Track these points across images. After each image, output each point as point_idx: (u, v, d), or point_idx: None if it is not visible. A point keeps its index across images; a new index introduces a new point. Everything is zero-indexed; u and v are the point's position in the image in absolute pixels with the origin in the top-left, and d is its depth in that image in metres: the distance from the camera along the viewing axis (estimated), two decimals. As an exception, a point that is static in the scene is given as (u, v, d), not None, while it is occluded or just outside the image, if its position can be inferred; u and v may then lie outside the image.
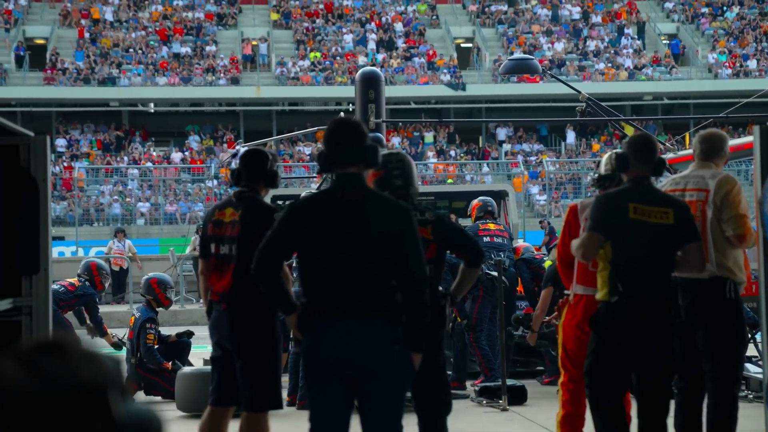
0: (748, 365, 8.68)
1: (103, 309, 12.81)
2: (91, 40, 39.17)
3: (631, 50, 40.31)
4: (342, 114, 12.48)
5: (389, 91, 12.32)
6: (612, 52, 40.00)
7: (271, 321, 5.51)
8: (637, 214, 5.39)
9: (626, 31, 41.30)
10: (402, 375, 4.44)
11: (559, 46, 40.14)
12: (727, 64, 39.32)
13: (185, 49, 39.04)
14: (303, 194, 5.81)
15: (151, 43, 39.24)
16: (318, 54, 39.14)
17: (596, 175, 6.65)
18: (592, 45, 40.40)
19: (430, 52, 39.35)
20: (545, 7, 41.90)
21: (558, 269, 6.52)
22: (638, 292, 5.36)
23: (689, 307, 5.64)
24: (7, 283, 4.49)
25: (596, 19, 41.84)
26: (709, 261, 5.61)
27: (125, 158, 35.37)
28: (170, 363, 9.78)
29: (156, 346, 9.75)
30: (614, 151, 6.71)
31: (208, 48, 39.02)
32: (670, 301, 5.44)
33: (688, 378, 5.77)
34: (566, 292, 6.39)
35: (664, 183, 6.04)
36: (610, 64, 39.24)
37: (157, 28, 39.87)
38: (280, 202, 22.59)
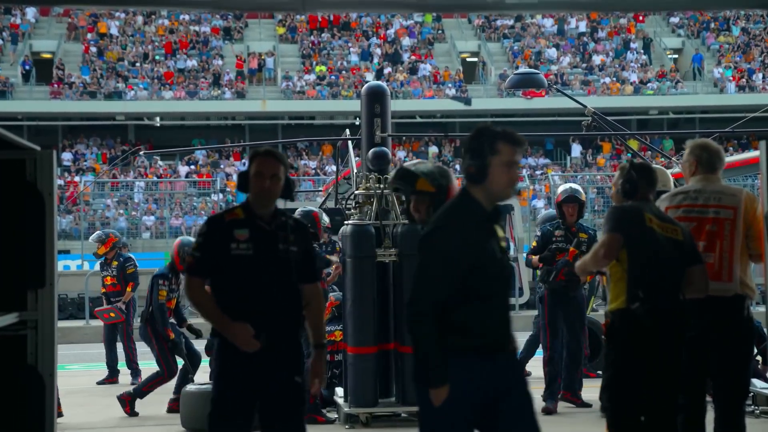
0: (754, 380, 8.65)
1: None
2: (98, 54, 39.28)
3: (636, 65, 40.33)
4: (347, 129, 12.49)
5: (395, 105, 12.32)
6: (618, 66, 40.02)
7: None
8: (653, 224, 5.39)
9: (632, 45, 41.33)
10: None
11: (565, 61, 40.18)
12: (733, 78, 39.32)
13: (191, 63, 39.13)
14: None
15: (157, 57, 39.33)
16: (323, 68, 39.22)
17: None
18: (597, 59, 40.44)
19: (438, 68, 39.42)
20: (551, 22, 41.95)
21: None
22: (658, 300, 5.30)
23: (708, 324, 5.59)
24: (12, 296, 4.49)
25: (602, 33, 41.88)
26: (733, 279, 5.58)
27: (131, 172, 35.41)
28: (173, 334, 9.99)
29: (167, 305, 9.99)
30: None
31: (214, 62, 39.11)
32: (686, 313, 5.41)
33: (692, 396, 5.74)
34: None
35: (675, 198, 5.92)
36: (615, 79, 39.26)
37: (164, 43, 39.97)
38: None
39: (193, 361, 10.20)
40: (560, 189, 9.80)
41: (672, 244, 5.41)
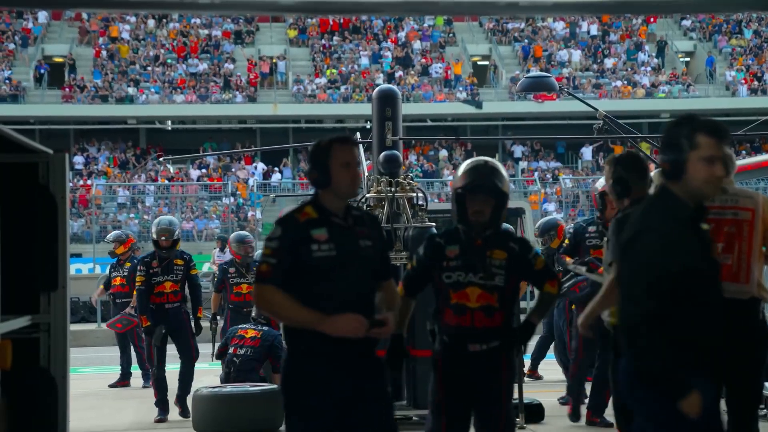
0: (767, 384, 8.62)
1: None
2: (109, 58, 39.39)
3: (648, 68, 40.27)
4: (358, 133, 12.50)
5: (406, 109, 12.31)
6: (629, 69, 39.96)
7: None
8: None
9: (643, 48, 41.26)
10: None
11: (576, 64, 40.14)
12: (745, 81, 39.21)
13: (202, 67, 39.21)
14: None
15: (169, 61, 39.43)
16: (334, 71, 39.26)
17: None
18: (609, 62, 40.38)
19: (449, 65, 39.42)
20: (562, 25, 41.91)
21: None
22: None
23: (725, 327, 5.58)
24: (25, 299, 4.50)
25: (613, 36, 41.83)
26: (751, 281, 5.57)
27: (142, 176, 35.49)
28: (149, 322, 9.68)
29: (143, 288, 9.83)
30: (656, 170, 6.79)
31: (225, 66, 39.18)
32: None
33: None
34: None
35: None
36: (627, 82, 39.20)
37: (175, 46, 40.06)
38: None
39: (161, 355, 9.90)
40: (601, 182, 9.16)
41: None
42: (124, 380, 12.62)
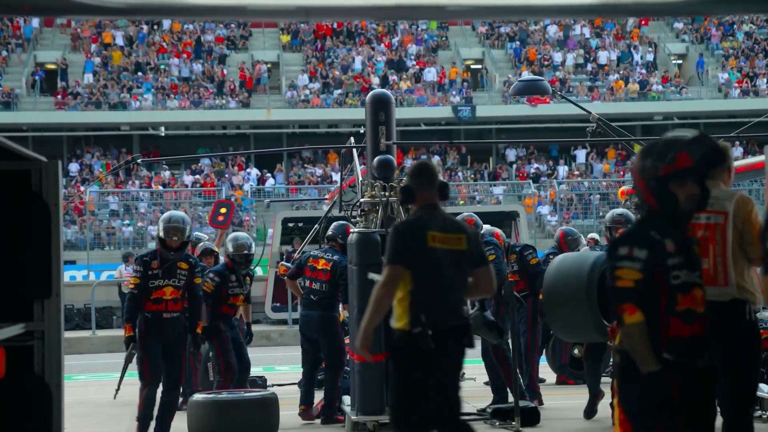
0: (762, 385, 8.63)
1: (115, 332, 12.86)
2: (102, 64, 39.36)
3: (641, 70, 40.34)
4: (352, 137, 12.48)
5: (399, 113, 12.32)
6: (622, 72, 40.02)
7: None
8: (435, 242, 5.46)
9: (636, 50, 41.33)
10: None
11: (569, 67, 40.20)
12: (737, 83, 39.30)
13: (196, 73, 39.20)
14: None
15: (162, 66, 39.41)
16: (329, 68, 39.31)
17: (637, 199, 6.73)
18: (601, 65, 40.43)
19: (445, 69, 39.46)
20: (555, 28, 41.97)
21: None
22: (439, 322, 5.42)
23: (710, 330, 5.59)
24: (18, 307, 4.49)
25: (606, 39, 41.89)
26: (729, 283, 5.57)
27: (136, 182, 35.46)
28: (132, 332, 8.37)
29: (136, 292, 8.45)
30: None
31: (218, 71, 39.18)
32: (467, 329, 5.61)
33: None
34: None
35: None
36: (619, 84, 39.26)
37: (168, 52, 40.05)
38: (291, 224, 22.27)
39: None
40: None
41: (455, 257, 5.48)
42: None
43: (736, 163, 13.60)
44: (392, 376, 5.60)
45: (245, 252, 10.15)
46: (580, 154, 37.91)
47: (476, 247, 5.60)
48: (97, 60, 39.46)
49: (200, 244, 11.34)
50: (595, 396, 9.23)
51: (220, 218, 12.81)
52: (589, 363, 9.31)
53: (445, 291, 5.43)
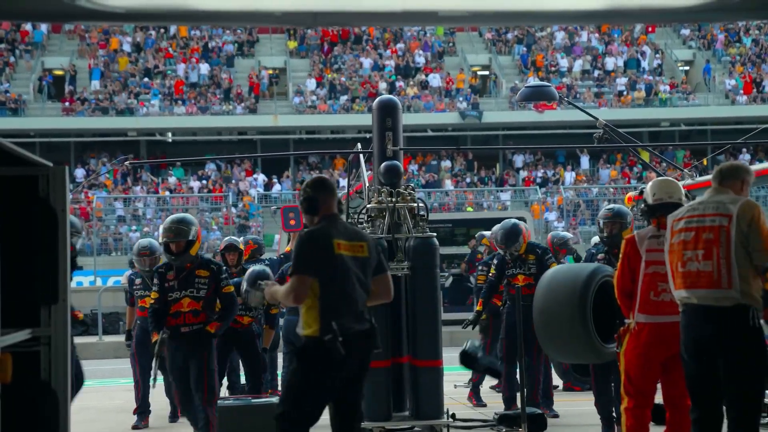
0: (769, 392, 8.60)
1: (122, 338, 12.87)
2: (110, 70, 39.44)
3: (647, 76, 40.31)
4: (359, 143, 12.49)
5: (406, 119, 12.30)
6: (629, 78, 40.00)
7: None
8: (341, 249, 5.64)
9: (643, 57, 41.30)
10: None
11: (576, 73, 40.19)
12: (744, 90, 39.24)
13: (203, 79, 39.26)
14: None
15: (169, 72, 39.48)
16: (336, 74, 39.33)
17: (643, 206, 6.76)
18: (608, 71, 40.42)
19: (451, 75, 39.47)
20: (563, 35, 41.96)
21: (618, 299, 6.69)
22: (349, 328, 5.58)
23: (711, 335, 5.59)
24: (25, 313, 4.49)
25: (613, 45, 41.88)
26: (733, 286, 5.56)
27: (143, 187, 35.51)
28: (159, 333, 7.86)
29: (157, 307, 7.91)
30: (662, 178, 6.85)
31: (225, 77, 39.24)
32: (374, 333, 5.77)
33: (704, 408, 5.71)
34: (626, 320, 6.58)
35: (681, 209, 6.00)
36: (626, 91, 39.23)
37: (176, 58, 40.12)
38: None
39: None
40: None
41: (359, 264, 5.67)
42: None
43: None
44: (292, 376, 5.71)
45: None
46: (584, 160, 37.89)
47: (377, 254, 5.81)
48: (105, 66, 39.53)
49: (225, 239, 11.43)
50: (609, 421, 8.39)
51: (292, 222, 12.92)
52: (598, 382, 8.43)
53: (352, 297, 5.63)
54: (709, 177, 8.86)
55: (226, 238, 11.47)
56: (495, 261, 10.41)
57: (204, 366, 7.72)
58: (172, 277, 7.81)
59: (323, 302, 5.56)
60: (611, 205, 8.87)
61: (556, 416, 9.90)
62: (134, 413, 10.16)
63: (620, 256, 6.68)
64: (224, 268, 8.07)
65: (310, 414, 5.62)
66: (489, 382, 12.76)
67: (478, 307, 10.55)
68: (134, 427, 9.98)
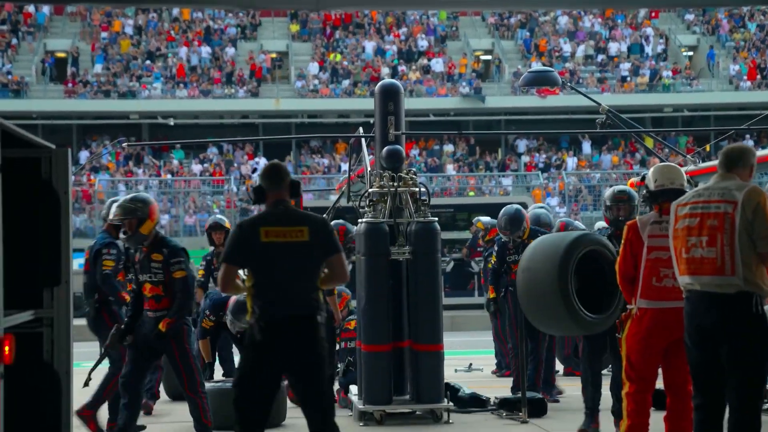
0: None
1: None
2: (112, 53, 39.38)
3: (651, 62, 40.23)
4: (361, 128, 12.50)
5: (408, 103, 12.31)
6: (632, 63, 39.92)
7: None
8: (269, 237, 5.71)
9: (646, 42, 41.21)
10: None
11: (579, 58, 40.10)
12: (748, 75, 39.16)
13: (205, 62, 39.21)
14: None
15: (170, 55, 39.42)
16: (339, 56, 39.26)
17: (645, 192, 6.77)
18: (611, 56, 40.33)
19: (453, 61, 39.41)
20: (566, 19, 41.86)
21: (619, 285, 6.70)
22: (274, 313, 5.64)
23: (715, 321, 5.59)
24: (28, 294, 4.51)
25: (617, 30, 41.78)
26: (736, 273, 5.56)
27: (145, 170, 35.50)
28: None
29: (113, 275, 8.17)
30: (664, 164, 6.85)
31: (227, 60, 39.17)
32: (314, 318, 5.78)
33: (707, 395, 5.72)
34: (628, 306, 6.59)
35: (686, 195, 5.98)
36: (629, 76, 39.16)
37: (178, 41, 40.06)
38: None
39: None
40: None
41: (294, 249, 5.69)
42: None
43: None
44: (239, 361, 5.94)
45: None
46: (586, 146, 37.85)
47: (322, 237, 5.78)
48: (106, 48, 39.47)
49: (210, 217, 11.32)
50: (593, 412, 8.08)
51: None
52: (586, 371, 8.06)
53: (283, 283, 5.67)
54: (712, 163, 8.86)
55: (212, 217, 11.36)
56: (496, 248, 10.39)
57: (174, 354, 7.49)
58: (137, 260, 7.60)
59: (255, 289, 5.71)
60: (622, 187, 8.53)
61: (556, 401, 9.93)
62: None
63: (622, 241, 6.70)
64: (181, 250, 7.53)
65: (252, 398, 5.68)
66: (490, 367, 12.79)
67: (490, 294, 10.53)
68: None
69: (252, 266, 5.73)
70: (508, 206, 10.39)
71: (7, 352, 4.03)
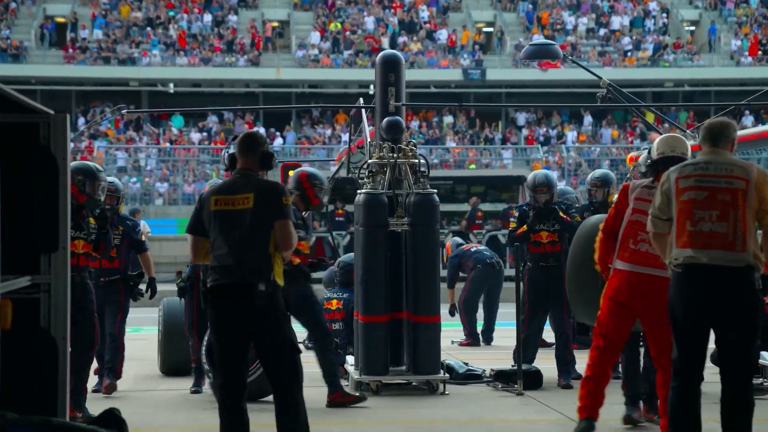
0: (764, 353, 8.65)
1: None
2: (111, 18, 39.21)
3: (652, 36, 40.09)
4: (361, 98, 12.48)
5: (409, 75, 12.26)
6: (633, 38, 39.78)
7: None
8: (218, 205, 5.77)
9: (648, 16, 41.05)
10: None
11: (581, 31, 39.96)
12: (749, 51, 39.04)
13: (205, 30, 39.05)
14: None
15: (171, 23, 39.25)
16: (339, 24, 39.09)
17: (649, 161, 6.82)
18: (613, 30, 40.19)
19: (456, 32, 39.27)
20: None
21: (599, 240, 6.72)
22: (221, 278, 5.70)
23: (717, 294, 5.59)
24: (26, 260, 4.51)
25: (619, 4, 41.61)
26: (747, 250, 5.57)
27: (144, 138, 35.44)
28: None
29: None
30: (668, 134, 6.86)
31: (228, 29, 39.02)
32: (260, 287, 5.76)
33: (688, 360, 5.70)
34: (609, 265, 6.59)
35: (686, 167, 5.87)
36: (631, 50, 39.03)
37: (178, 8, 39.88)
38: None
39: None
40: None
41: (240, 216, 5.69)
42: None
43: (743, 132, 13.56)
44: None
45: None
46: (586, 120, 37.79)
47: (268, 203, 5.70)
48: (106, 14, 39.29)
49: (209, 182, 11.20)
50: (637, 398, 7.41)
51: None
52: (628, 363, 7.44)
53: (228, 250, 5.67)
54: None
55: (210, 181, 11.35)
56: (516, 213, 9.86)
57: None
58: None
59: (210, 257, 5.81)
60: (600, 171, 8.90)
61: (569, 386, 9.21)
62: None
63: (615, 199, 6.82)
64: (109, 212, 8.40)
65: (221, 368, 5.79)
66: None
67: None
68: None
69: (208, 235, 5.81)
70: (536, 171, 10.46)
71: (4, 318, 4.04)
